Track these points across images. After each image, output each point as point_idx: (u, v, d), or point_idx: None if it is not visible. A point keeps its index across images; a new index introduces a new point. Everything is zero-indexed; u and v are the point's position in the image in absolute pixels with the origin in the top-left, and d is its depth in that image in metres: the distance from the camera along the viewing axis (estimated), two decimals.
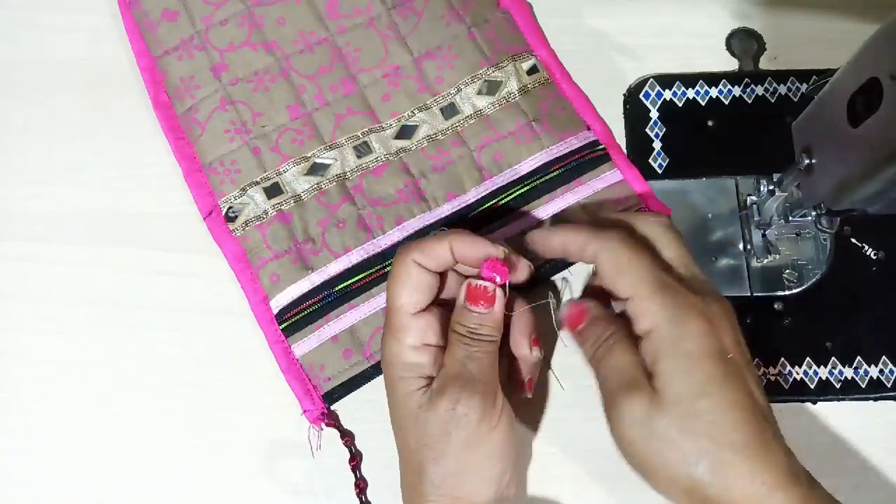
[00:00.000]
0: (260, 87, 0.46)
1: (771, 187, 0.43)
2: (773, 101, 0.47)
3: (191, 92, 0.46)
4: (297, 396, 0.42)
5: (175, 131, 0.46)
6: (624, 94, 0.48)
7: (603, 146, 0.45)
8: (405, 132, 0.46)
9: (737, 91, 0.48)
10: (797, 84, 0.48)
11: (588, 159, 0.45)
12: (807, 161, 0.37)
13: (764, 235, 0.45)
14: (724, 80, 0.48)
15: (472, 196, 0.45)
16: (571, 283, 0.44)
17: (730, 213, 0.46)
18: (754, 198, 0.45)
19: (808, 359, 0.43)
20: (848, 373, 0.43)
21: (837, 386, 0.43)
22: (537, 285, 0.44)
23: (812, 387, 0.43)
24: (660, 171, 0.46)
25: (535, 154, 0.45)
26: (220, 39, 0.47)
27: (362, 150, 0.45)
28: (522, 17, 0.48)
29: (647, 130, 0.47)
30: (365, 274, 0.43)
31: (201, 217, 0.45)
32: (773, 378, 0.43)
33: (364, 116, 0.46)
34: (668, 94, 0.48)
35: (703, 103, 0.48)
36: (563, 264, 0.44)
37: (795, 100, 0.47)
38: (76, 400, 0.43)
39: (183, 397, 0.43)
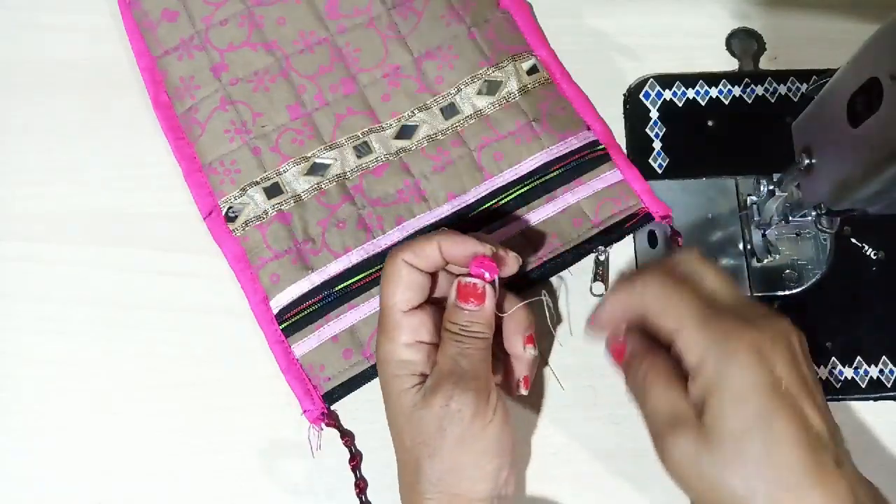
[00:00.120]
0: (260, 87, 0.46)
1: (771, 187, 0.43)
2: (773, 101, 0.47)
3: (191, 92, 0.46)
4: (297, 396, 0.42)
5: (175, 131, 0.46)
6: (624, 94, 0.48)
7: (603, 146, 0.45)
8: (405, 132, 0.46)
9: (737, 91, 0.48)
10: (797, 84, 0.48)
11: (588, 159, 0.45)
12: (807, 161, 0.37)
13: (764, 235, 0.45)
14: (724, 80, 0.48)
15: (472, 196, 0.45)
16: (568, 282, 0.44)
17: (730, 213, 0.46)
18: (754, 198, 0.45)
19: None
20: (848, 373, 0.43)
21: (837, 386, 0.43)
22: (535, 285, 0.44)
23: None
24: (660, 171, 0.46)
25: (535, 154, 0.45)
26: (220, 39, 0.47)
27: (362, 150, 0.45)
28: (522, 17, 0.48)
29: (647, 130, 0.47)
30: (365, 274, 0.43)
31: (201, 217, 0.45)
32: None
33: (364, 116, 0.46)
34: (668, 94, 0.48)
35: (703, 103, 0.48)
36: (563, 264, 0.44)
37: (795, 100, 0.47)
38: (76, 400, 0.43)
39: (183, 397, 0.43)
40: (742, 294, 0.34)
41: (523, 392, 0.39)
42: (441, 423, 0.34)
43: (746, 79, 0.48)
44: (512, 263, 0.37)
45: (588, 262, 0.45)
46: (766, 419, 0.30)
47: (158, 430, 0.43)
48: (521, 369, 0.39)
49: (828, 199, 0.37)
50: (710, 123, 0.47)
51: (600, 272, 0.44)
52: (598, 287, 0.44)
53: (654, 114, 0.47)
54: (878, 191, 0.34)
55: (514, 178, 0.45)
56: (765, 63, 0.49)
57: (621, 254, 0.45)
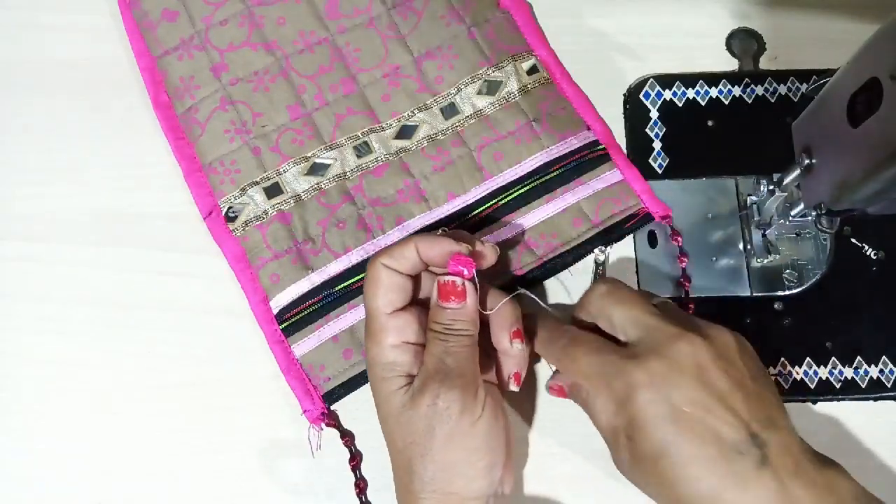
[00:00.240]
0: (260, 87, 0.46)
1: (771, 187, 0.43)
2: (773, 101, 0.47)
3: (191, 92, 0.46)
4: (297, 396, 0.42)
5: (175, 131, 0.46)
6: (624, 94, 0.48)
7: (603, 146, 0.45)
8: (405, 132, 0.46)
9: (737, 91, 0.48)
10: (797, 84, 0.48)
11: (588, 159, 0.45)
12: (807, 161, 0.37)
13: (764, 235, 0.45)
14: (724, 80, 0.48)
15: (472, 196, 0.45)
16: (568, 282, 0.44)
17: (730, 213, 0.46)
18: (754, 198, 0.45)
19: (808, 359, 0.43)
20: (848, 373, 0.43)
21: (837, 386, 0.43)
22: (534, 285, 0.44)
23: (812, 387, 0.43)
24: (660, 171, 0.46)
25: (535, 154, 0.45)
26: (220, 39, 0.47)
27: (362, 149, 0.45)
28: (522, 17, 0.48)
29: (647, 130, 0.47)
30: (365, 274, 0.43)
31: (201, 217, 0.45)
32: (773, 378, 0.43)
33: (364, 116, 0.46)
34: (668, 94, 0.48)
35: (703, 103, 0.48)
36: (563, 264, 0.44)
37: (795, 100, 0.47)
38: (76, 400, 0.43)
39: (183, 397, 0.43)
40: (652, 318, 0.36)
41: (514, 388, 0.39)
42: (430, 423, 0.34)
43: (746, 79, 0.48)
44: (490, 255, 0.38)
45: (588, 262, 0.45)
46: (674, 445, 0.32)
47: (158, 430, 0.43)
48: (510, 365, 0.39)
49: (828, 199, 0.37)
50: (710, 123, 0.47)
51: (600, 272, 0.44)
52: None
53: (654, 114, 0.47)
54: (878, 191, 0.34)
55: (514, 178, 0.45)
56: (765, 63, 0.49)
57: (621, 254, 0.45)
